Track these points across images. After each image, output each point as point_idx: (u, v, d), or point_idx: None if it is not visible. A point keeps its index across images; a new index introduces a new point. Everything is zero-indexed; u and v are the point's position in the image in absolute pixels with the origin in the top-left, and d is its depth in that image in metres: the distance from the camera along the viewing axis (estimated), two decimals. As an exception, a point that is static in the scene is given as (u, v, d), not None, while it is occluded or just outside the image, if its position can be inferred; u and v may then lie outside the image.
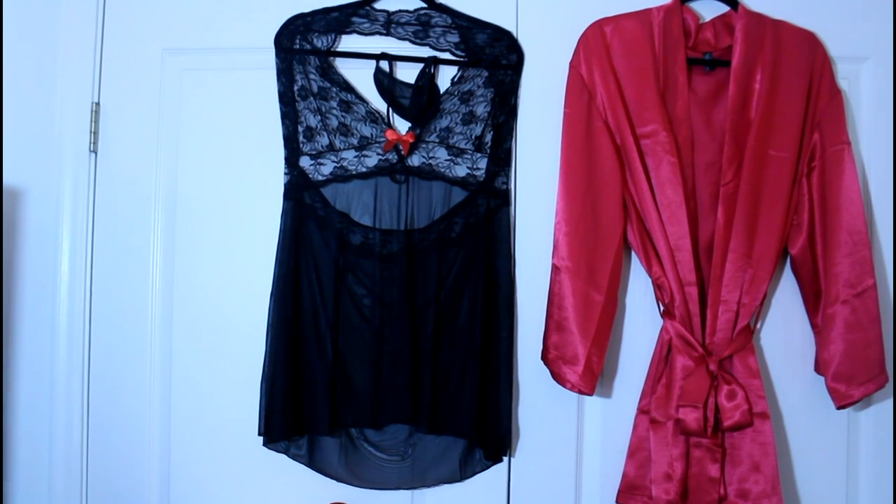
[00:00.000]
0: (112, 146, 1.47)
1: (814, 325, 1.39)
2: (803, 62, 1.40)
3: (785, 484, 1.37)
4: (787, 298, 1.41)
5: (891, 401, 1.41)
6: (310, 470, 1.38)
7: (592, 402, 1.40)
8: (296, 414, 1.34)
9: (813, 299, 1.39)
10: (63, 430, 1.44)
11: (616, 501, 1.36)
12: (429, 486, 1.39)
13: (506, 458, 1.39)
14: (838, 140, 1.38)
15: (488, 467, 1.38)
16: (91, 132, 1.46)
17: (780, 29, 1.40)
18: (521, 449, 1.40)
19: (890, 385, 1.37)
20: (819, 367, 1.38)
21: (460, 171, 1.39)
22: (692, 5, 1.43)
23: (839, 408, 1.35)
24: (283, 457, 1.37)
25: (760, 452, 1.32)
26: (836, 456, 1.40)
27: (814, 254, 1.38)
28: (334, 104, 1.40)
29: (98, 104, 1.47)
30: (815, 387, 1.38)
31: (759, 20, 1.40)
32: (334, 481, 1.38)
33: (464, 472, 1.37)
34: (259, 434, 1.35)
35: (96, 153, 1.47)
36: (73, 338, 1.44)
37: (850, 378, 1.34)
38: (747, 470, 1.33)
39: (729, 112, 1.37)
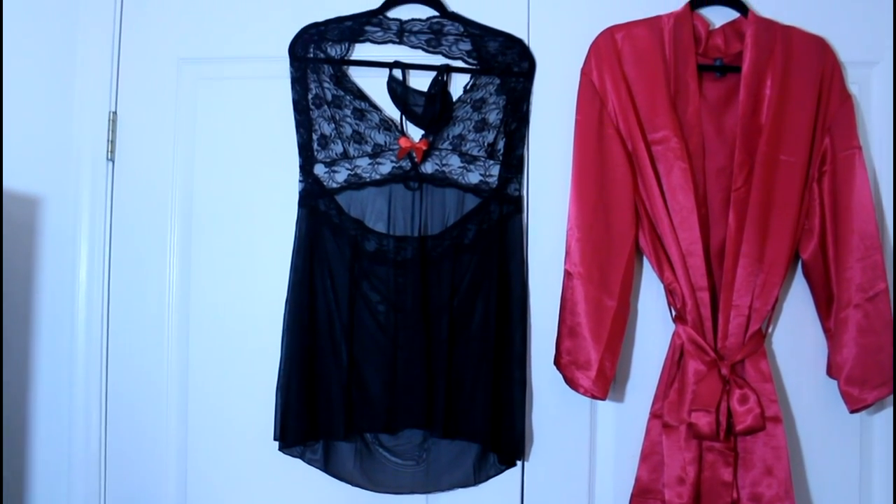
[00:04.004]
0: (129, 155, 1.48)
1: (826, 330, 1.40)
2: (813, 67, 1.40)
3: (798, 488, 1.37)
4: (798, 303, 1.42)
5: (903, 404, 1.42)
6: (325, 475, 1.39)
7: (605, 407, 1.41)
8: (311, 419, 1.36)
9: (825, 303, 1.40)
10: (82, 436, 1.45)
11: (629, 505, 1.37)
12: (443, 491, 1.40)
13: (519, 463, 1.40)
14: (849, 144, 1.39)
15: (502, 471, 1.39)
16: (108, 141, 1.48)
17: (789, 34, 1.41)
18: (535, 453, 1.41)
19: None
20: (831, 371, 1.39)
21: (473, 177, 1.40)
22: (702, 12, 1.44)
23: (852, 411, 1.35)
24: (299, 462, 1.39)
25: (773, 456, 1.33)
26: (849, 459, 1.41)
27: (825, 258, 1.38)
28: (348, 112, 1.42)
29: (115, 113, 1.48)
30: (828, 390, 1.39)
31: (768, 26, 1.41)
32: (349, 486, 1.39)
33: (478, 476, 1.38)
34: (275, 439, 1.37)
35: (113, 161, 1.48)
36: (91, 344, 1.46)
37: (864, 382, 1.34)
38: (760, 474, 1.33)
39: (739, 117, 1.38)
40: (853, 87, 1.43)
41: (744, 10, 1.42)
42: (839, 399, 1.36)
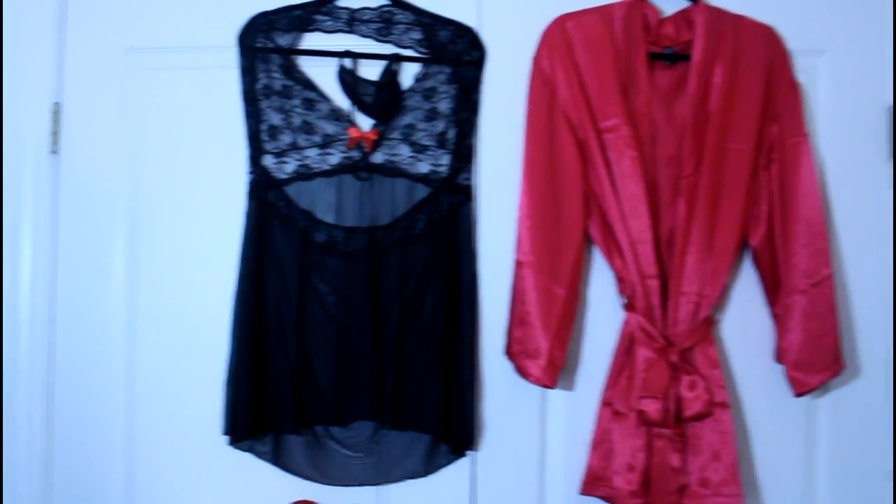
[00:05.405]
0: (74, 147, 1.45)
1: (774, 316, 1.41)
2: (762, 56, 1.41)
3: (745, 471, 1.39)
4: (747, 289, 1.43)
5: (848, 388, 1.44)
6: (276, 468, 1.38)
7: (556, 395, 1.42)
8: (260, 412, 1.35)
9: (773, 290, 1.41)
10: (25, 434, 1.43)
11: (580, 493, 1.37)
12: (394, 482, 1.39)
13: (470, 452, 1.39)
14: (796, 132, 1.40)
15: (453, 461, 1.38)
16: (52, 133, 1.45)
17: (739, 23, 1.42)
18: (486, 443, 1.41)
19: (854, 372, 1.42)
20: (778, 356, 1.40)
21: (423, 167, 1.40)
22: (653, 0, 1.44)
23: (797, 395, 1.37)
24: (249, 455, 1.38)
25: (720, 441, 1.34)
26: (796, 443, 1.43)
27: (773, 245, 1.40)
28: (297, 102, 1.40)
29: (59, 104, 1.45)
30: (776, 376, 1.40)
31: (718, 15, 1.42)
32: (300, 479, 1.38)
33: (429, 466, 1.38)
34: (224, 433, 1.36)
35: (58, 154, 1.46)
36: (36, 341, 1.43)
37: (808, 366, 1.36)
38: (708, 459, 1.34)
39: (689, 106, 1.39)
40: (801, 76, 1.44)
41: (694, -2, 1.42)
42: (786, 384, 1.38)
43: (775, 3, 1.44)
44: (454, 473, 1.40)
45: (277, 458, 1.38)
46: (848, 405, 1.43)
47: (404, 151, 1.40)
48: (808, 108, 1.44)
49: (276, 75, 1.41)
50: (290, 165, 1.40)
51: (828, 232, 1.39)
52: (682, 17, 1.43)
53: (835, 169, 1.44)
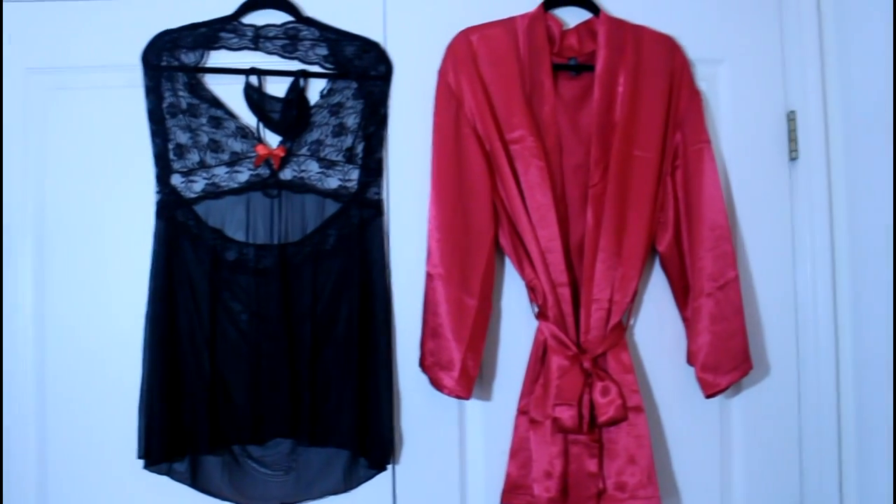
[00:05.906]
0: (-25, 170, 1.42)
1: (684, 319, 1.44)
2: (663, 65, 1.45)
3: (662, 473, 1.41)
4: (658, 294, 1.46)
5: (759, 386, 1.47)
6: (194, 490, 1.36)
7: (474, 406, 1.42)
8: (176, 434, 1.33)
9: (682, 294, 1.44)
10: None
11: (501, 502, 1.38)
12: (314, 499, 1.38)
13: (390, 466, 1.39)
14: (698, 139, 1.44)
15: (373, 476, 1.38)
16: (-50, 157, 1.41)
17: (640, 34, 1.45)
18: (405, 456, 1.41)
19: (763, 371, 1.45)
20: (690, 359, 1.43)
21: (332, 183, 1.40)
22: (556, 12, 1.47)
23: (708, 396, 1.40)
24: (167, 479, 1.35)
25: (636, 445, 1.36)
26: (711, 442, 1.45)
27: (680, 250, 1.43)
28: (204, 121, 1.39)
29: (-42, 127, 1.42)
30: (689, 378, 1.43)
31: (620, 25, 1.45)
32: (219, 500, 1.36)
33: (348, 482, 1.37)
34: (139, 457, 1.33)
35: (-42, 177, 1.42)
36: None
37: (717, 367, 1.39)
38: (624, 463, 1.36)
39: (594, 115, 1.41)
40: (702, 84, 1.48)
41: (595, 10, 1.45)
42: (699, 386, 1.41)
43: (674, 14, 1.49)
44: (375, 488, 1.39)
45: (195, 480, 1.36)
46: (759, 403, 1.47)
47: (313, 167, 1.40)
48: (710, 115, 1.48)
49: (182, 94, 1.39)
50: (199, 184, 1.38)
51: (732, 235, 1.42)
52: (585, 28, 1.46)
53: (737, 173, 1.48)
